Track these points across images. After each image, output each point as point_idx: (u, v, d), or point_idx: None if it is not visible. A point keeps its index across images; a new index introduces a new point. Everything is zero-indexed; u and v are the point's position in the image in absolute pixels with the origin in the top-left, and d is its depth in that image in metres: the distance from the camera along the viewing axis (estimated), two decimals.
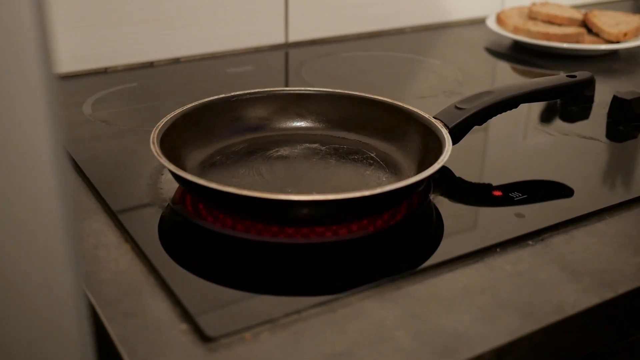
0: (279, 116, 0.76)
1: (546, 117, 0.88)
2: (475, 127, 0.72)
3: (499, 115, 0.74)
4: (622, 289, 0.54)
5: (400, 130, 0.72)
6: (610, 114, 0.86)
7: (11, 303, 0.34)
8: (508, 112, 0.74)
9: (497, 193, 0.68)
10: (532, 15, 1.17)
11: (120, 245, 0.59)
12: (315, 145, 0.73)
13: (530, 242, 0.60)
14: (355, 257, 0.58)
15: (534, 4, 1.20)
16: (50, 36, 0.31)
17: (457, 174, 0.71)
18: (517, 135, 0.84)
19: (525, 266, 0.57)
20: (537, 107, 0.90)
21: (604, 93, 0.91)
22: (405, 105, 0.72)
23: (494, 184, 0.70)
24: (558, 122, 0.87)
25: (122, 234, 0.60)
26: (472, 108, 0.71)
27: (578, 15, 1.15)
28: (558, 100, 0.91)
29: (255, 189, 0.56)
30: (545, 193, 0.69)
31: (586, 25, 1.14)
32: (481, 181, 0.71)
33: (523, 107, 0.76)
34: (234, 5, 1.06)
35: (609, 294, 0.54)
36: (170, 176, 0.64)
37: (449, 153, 0.62)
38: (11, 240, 0.33)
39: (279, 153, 0.71)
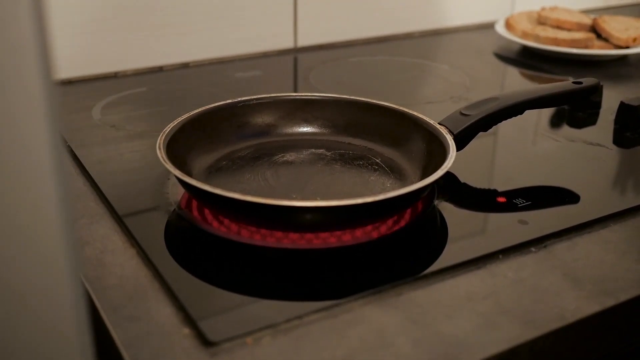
0: (285, 121, 0.77)
1: (553, 123, 0.88)
2: (483, 133, 0.73)
3: (506, 121, 0.74)
4: (623, 297, 0.54)
5: (405, 136, 0.72)
6: (618, 120, 0.86)
7: (10, 307, 0.34)
8: (515, 118, 0.74)
9: (502, 199, 0.68)
10: (541, 20, 1.17)
11: (126, 250, 0.60)
12: (321, 150, 0.74)
13: (532, 249, 0.60)
14: (358, 263, 0.58)
15: (543, 9, 1.20)
16: (50, 41, 0.31)
17: (463, 180, 0.71)
18: (523, 141, 0.84)
19: (527, 273, 0.57)
20: (544, 113, 0.90)
21: (612, 99, 0.91)
22: (410, 111, 0.73)
23: (500, 190, 0.70)
24: (565, 128, 0.87)
25: (128, 238, 0.61)
26: (477, 114, 0.71)
27: (587, 20, 1.15)
28: (565, 106, 0.91)
29: (260, 195, 0.57)
30: (551, 199, 0.69)
31: (595, 31, 1.14)
32: (487, 187, 0.71)
33: (530, 113, 0.76)
34: (243, 10, 1.07)
35: (610, 302, 0.54)
36: (176, 181, 0.65)
37: (453, 159, 0.63)
38: (10, 245, 0.33)
39: (284, 158, 0.72)
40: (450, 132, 0.69)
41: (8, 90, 0.31)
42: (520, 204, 0.67)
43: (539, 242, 0.61)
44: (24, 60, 0.31)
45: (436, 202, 0.66)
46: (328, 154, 0.73)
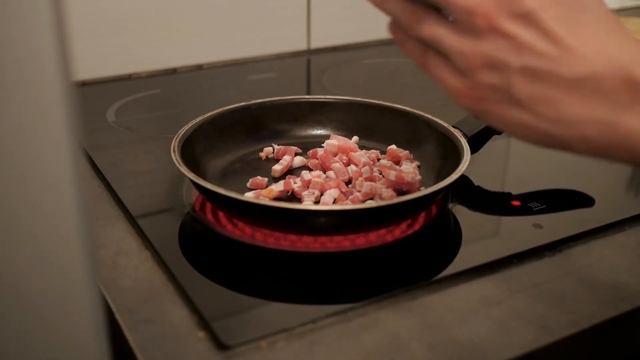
0: (299, 124, 0.77)
1: None
2: (497, 136, 0.72)
3: None
4: (639, 302, 0.54)
5: (419, 139, 0.72)
6: None
7: (27, 309, 0.35)
8: None
9: (516, 203, 0.68)
10: None
11: (141, 252, 0.60)
12: None
13: (547, 254, 0.60)
14: (373, 267, 0.58)
15: None
16: (68, 42, 0.32)
17: (477, 183, 0.71)
18: None
19: (542, 278, 0.57)
20: None
21: None
22: (424, 114, 0.73)
23: (514, 193, 0.70)
24: None
25: (142, 241, 0.61)
26: None
27: None
28: None
29: None
30: (565, 203, 0.69)
31: None
32: (501, 190, 0.71)
33: None
34: (257, 12, 1.07)
35: (626, 307, 0.53)
36: (191, 183, 0.65)
37: (467, 162, 0.62)
38: (27, 247, 0.33)
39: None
40: (465, 135, 0.69)
41: (28, 92, 0.31)
42: (535, 207, 0.66)
43: (554, 246, 0.60)
44: (43, 62, 0.31)
45: (450, 205, 0.66)
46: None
